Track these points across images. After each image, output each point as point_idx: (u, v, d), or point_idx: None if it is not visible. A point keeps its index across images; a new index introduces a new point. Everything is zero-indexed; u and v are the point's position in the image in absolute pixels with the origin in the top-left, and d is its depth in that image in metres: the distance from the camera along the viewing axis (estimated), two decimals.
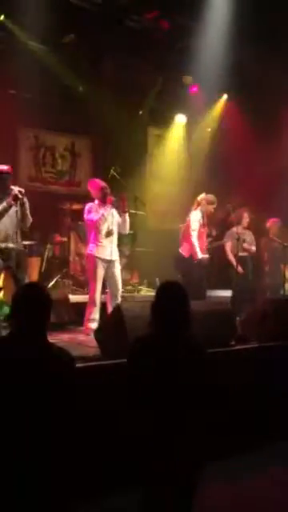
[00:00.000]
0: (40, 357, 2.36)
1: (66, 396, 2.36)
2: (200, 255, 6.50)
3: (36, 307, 2.42)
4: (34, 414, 2.27)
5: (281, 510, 3.62)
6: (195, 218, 6.61)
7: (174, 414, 2.53)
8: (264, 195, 8.43)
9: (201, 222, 6.63)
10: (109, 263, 5.93)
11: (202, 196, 6.71)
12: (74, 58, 7.86)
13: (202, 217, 6.65)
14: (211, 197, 6.70)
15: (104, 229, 5.89)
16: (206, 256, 6.63)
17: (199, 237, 6.60)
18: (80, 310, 6.11)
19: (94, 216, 5.87)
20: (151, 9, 7.66)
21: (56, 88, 8.15)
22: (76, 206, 7.72)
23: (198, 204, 6.68)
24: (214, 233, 7.23)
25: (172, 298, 2.68)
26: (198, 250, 6.50)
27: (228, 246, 7.40)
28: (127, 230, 6.20)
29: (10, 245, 5.25)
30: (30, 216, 5.37)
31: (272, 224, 8.02)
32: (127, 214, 6.06)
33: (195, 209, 6.68)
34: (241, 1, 7.38)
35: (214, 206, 6.70)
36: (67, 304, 6.33)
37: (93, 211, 5.90)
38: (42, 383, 2.31)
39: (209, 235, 6.98)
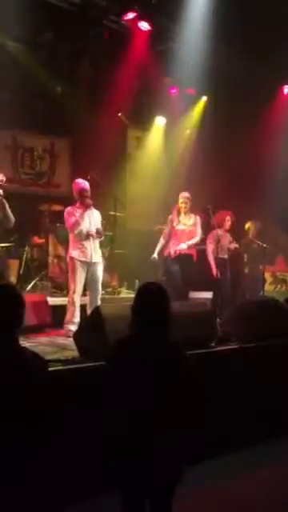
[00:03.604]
0: (11, 362, 2.26)
1: (38, 402, 2.27)
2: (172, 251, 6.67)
3: (6, 309, 2.30)
4: (4, 420, 2.19)
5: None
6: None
7: (154, 415, 2.49)
8: (243, 196, 8.46)
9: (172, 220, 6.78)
10: (90, 265, 5.89)
11: None
12: (51, 58, 7.78)
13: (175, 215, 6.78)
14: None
15: (81, 231, 5.86)
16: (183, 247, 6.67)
17: (174, 235, 6.70)
18: (59, 313, 6.04)
19: (70, 220, 5.86)
20: (131, 10, 7.63)
21: (34, 89, 8.06)
22: (55, 208, 7.64)
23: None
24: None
25: (151, 298, 2.66)
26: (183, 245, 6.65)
27: (210, 249, 7.39)
28: None
29: None
30: (11, 215, 5.33)
31: (251, 225, 8.04)
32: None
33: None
34: (220, 2, 7.40)
35: (180, 199, 6.76)
36: (46, 306, 6.24)
37: (70, 215, 5.89)
38: (12, 389, 2.21)
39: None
